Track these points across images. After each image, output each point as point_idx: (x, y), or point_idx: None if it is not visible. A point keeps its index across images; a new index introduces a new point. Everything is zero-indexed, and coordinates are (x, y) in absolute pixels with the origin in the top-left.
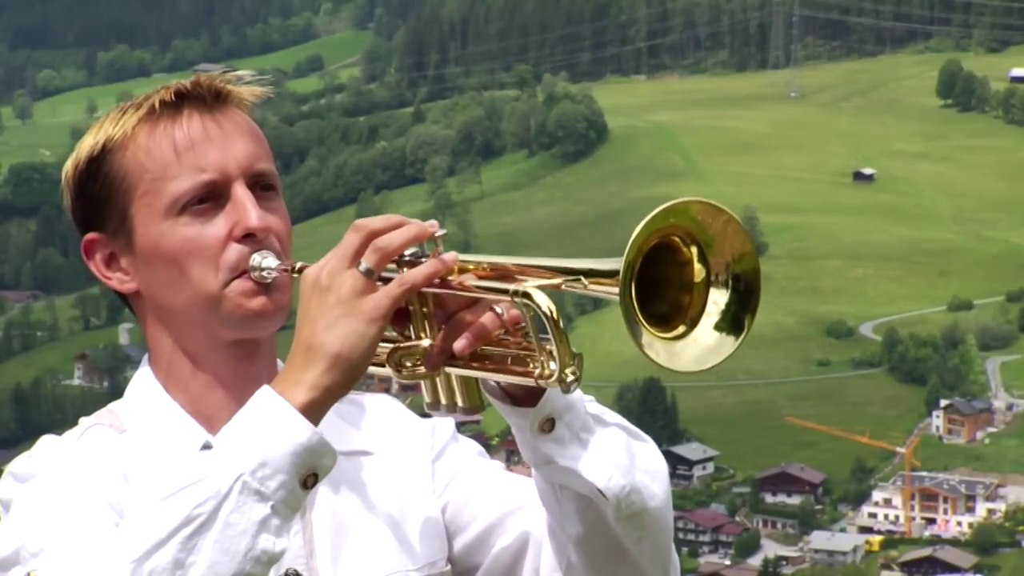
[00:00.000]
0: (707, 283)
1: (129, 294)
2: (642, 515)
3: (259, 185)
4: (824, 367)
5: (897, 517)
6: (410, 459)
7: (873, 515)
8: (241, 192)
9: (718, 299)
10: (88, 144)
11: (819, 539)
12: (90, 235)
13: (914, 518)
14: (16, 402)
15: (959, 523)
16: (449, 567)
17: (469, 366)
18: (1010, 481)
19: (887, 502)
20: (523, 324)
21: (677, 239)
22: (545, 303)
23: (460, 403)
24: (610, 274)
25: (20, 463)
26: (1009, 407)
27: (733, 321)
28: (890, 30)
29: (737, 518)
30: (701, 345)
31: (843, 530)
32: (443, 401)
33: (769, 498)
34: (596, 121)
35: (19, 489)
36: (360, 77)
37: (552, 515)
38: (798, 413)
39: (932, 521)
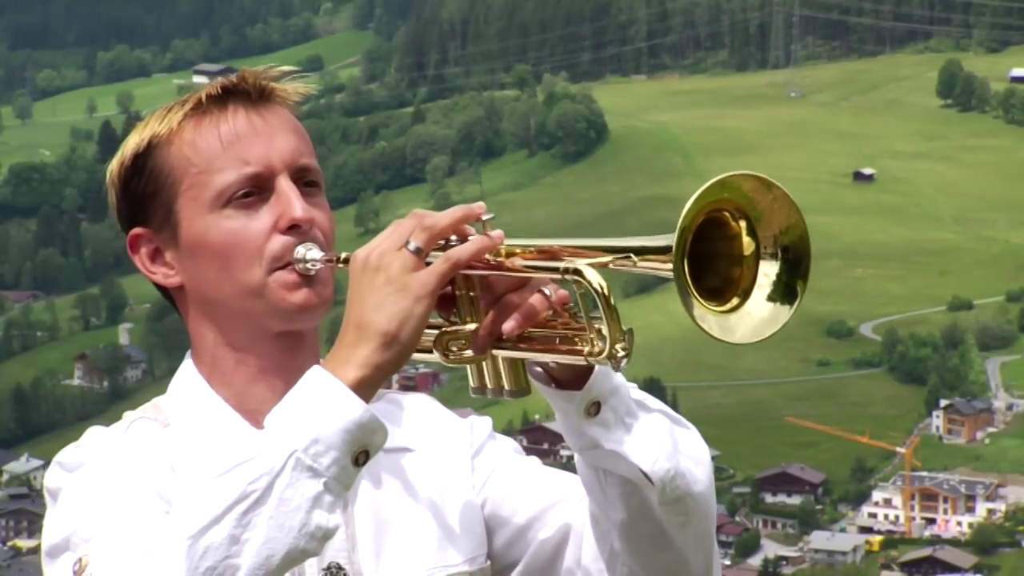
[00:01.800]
0: (756, 256)
1: (173, 288)
2: (686, 500)
3: (303, 181)
4: (824, 367)
5: (897, 517)
6: (450, 456)
7: (873, 515)
8: (286, 185)
9: (768, 271)
10: (133, 142)
11: (819, 539)
12: (135, 230)
13: (914, 518)
14: (16, 402)
15: (959, 523)
16: (489, 563)
17: (517, 348)
18: (1010, 481)
19: (887, 502)
20: (571, 304)
21: (726, 214)
22: (596, 279)
23: (506, 386)
24: (661, 250)
25: (68, 453)
26: (1009, 407)
27: (785, 290)
28: (890, 30)
29: (737, 518)
30: (756, 317)
31: (843, 530)
32: (489, 385)
33: (769, 498)
34: (596, 121)
35: (67, 478)
36: (360, 77)
37: (595, 501)
38: (798, 413)
39: (932, 521)
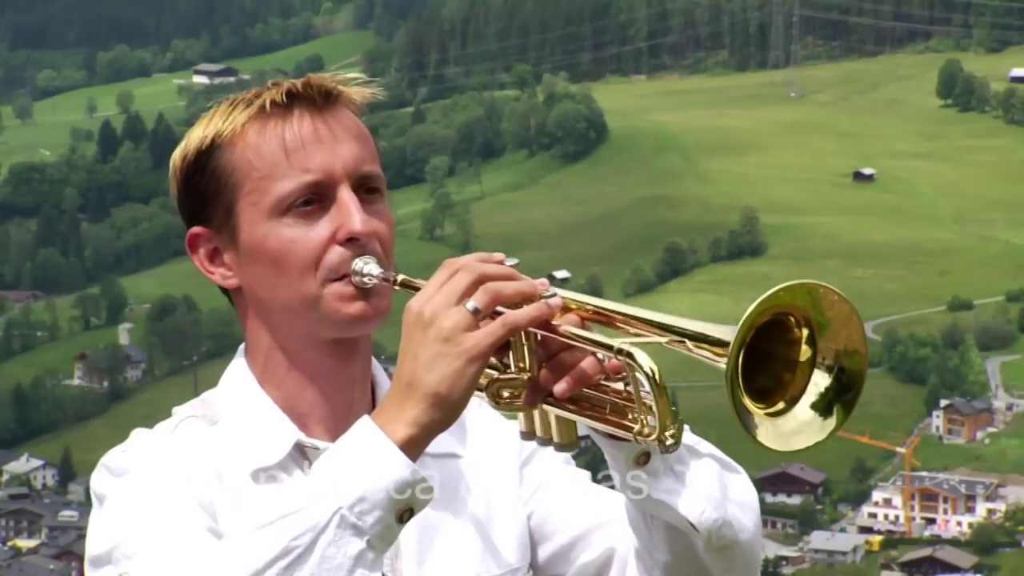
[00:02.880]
0: (812, 364)
1: (231, 289)
2: (732, 548)
3: (364, 188)
4: None
5: (897, 517)
6: (498, 463)
7: (873, 515)
8: (346, 195)
9: (819, 381)
10: (197, 137)
11: (819, 539)
12: (195, 229)
13: (914, 518)
14: (16, 402)
15: (959, 523)
16: (531, 574)
17: (567, 408)
18: (1010, 481)
19: (887, 502)
20: (624, 374)
21: (791, 319)
22: (647, 364)
23: (555, 439)
24: (718, 343)
25: (114, 457)
26: (1009, 407)
27: (827, 407)
28: (890, 30)
29: None
30: (800, 421)
31: (843, 530)
32: (538, 433)
33: (769, 498)
34: (596, 121)
35: (113, 484)
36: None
37: (641, 541)
38: None
39: (932, 521)
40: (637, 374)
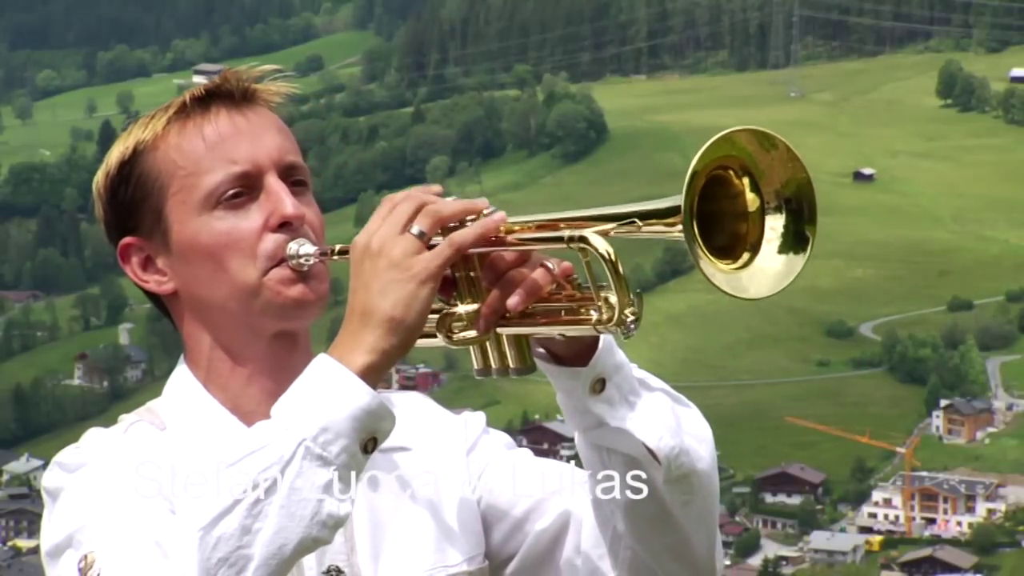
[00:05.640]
0: (762, 212)
1: (166, 295)
2: (690, 477)
3: (291, 180)
4: (824, 367)
5: (897, 517)
6: (445, 453)
7: (873, 515)
8: (274, 182)
9: (775, 225)
10: (118, 151)
11: (819, 539)
12: (125, 240)
13: (914, 518)
14: (16, 402)
15: (959, 523)
16: (487, 563)
17: (522, 324)
18: (1010, 481)
19: (887, 502)
20: (575, 276)
21: (729, 172)
22: (603, 246)
23: (511, 364)
24: (666, 213)
25: (67, 454)
26: (1009, 407)
27: (795, 239)
28: (890, 30)
29: (737, 518)
30: (769, 272)
31: (843, 530)
32: (493, 365)
33: (769, 498)
34: (596, 121)
35: (68, 478)
36: (360, 77)
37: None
38: (798, 413)
39: (932, 521)
40: (591, 261)
